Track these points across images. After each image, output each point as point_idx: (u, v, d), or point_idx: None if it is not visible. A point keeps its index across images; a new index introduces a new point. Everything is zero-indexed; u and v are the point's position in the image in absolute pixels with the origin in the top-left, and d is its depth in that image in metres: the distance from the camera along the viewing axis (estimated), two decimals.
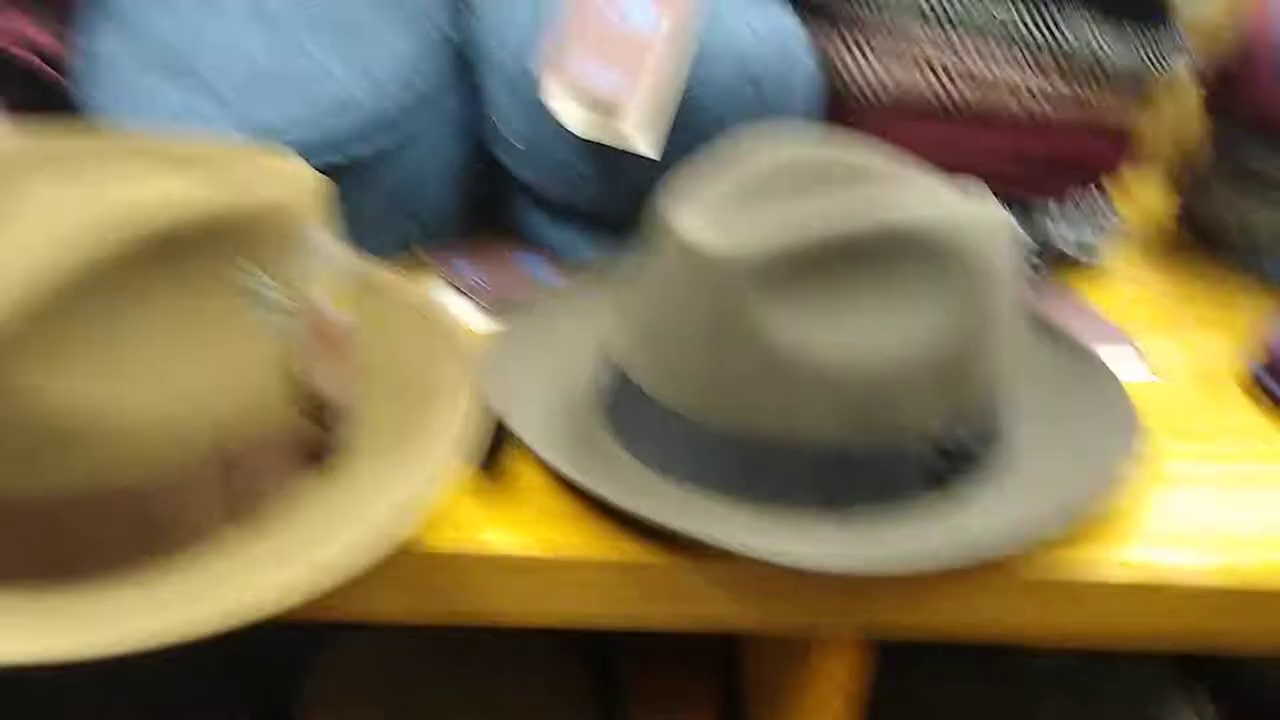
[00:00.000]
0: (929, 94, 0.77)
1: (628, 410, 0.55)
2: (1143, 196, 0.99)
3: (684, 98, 0.66)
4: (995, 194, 0.75)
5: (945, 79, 0.76)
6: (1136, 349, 0.72)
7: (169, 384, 0.44)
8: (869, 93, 0.78)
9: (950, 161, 0.77)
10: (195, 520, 0.46)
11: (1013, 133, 0.78)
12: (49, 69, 0.68)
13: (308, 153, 0.62)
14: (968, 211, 0.53)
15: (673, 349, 0.52)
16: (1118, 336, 0.74)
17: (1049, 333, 0.68)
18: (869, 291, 0.51)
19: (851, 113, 0.80)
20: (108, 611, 0.42)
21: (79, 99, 0.68)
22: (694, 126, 0.67)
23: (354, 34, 0.65)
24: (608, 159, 0.68)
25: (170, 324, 0.44)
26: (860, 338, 0.50)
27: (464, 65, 0.72)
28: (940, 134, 0.78)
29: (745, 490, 0.52)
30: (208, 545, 0.46)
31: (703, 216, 0.53)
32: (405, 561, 0.48)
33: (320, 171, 0.62)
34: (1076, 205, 0.82)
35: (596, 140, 0.65)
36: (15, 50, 0.67)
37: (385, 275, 0.64)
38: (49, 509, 0.42)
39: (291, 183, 0.49)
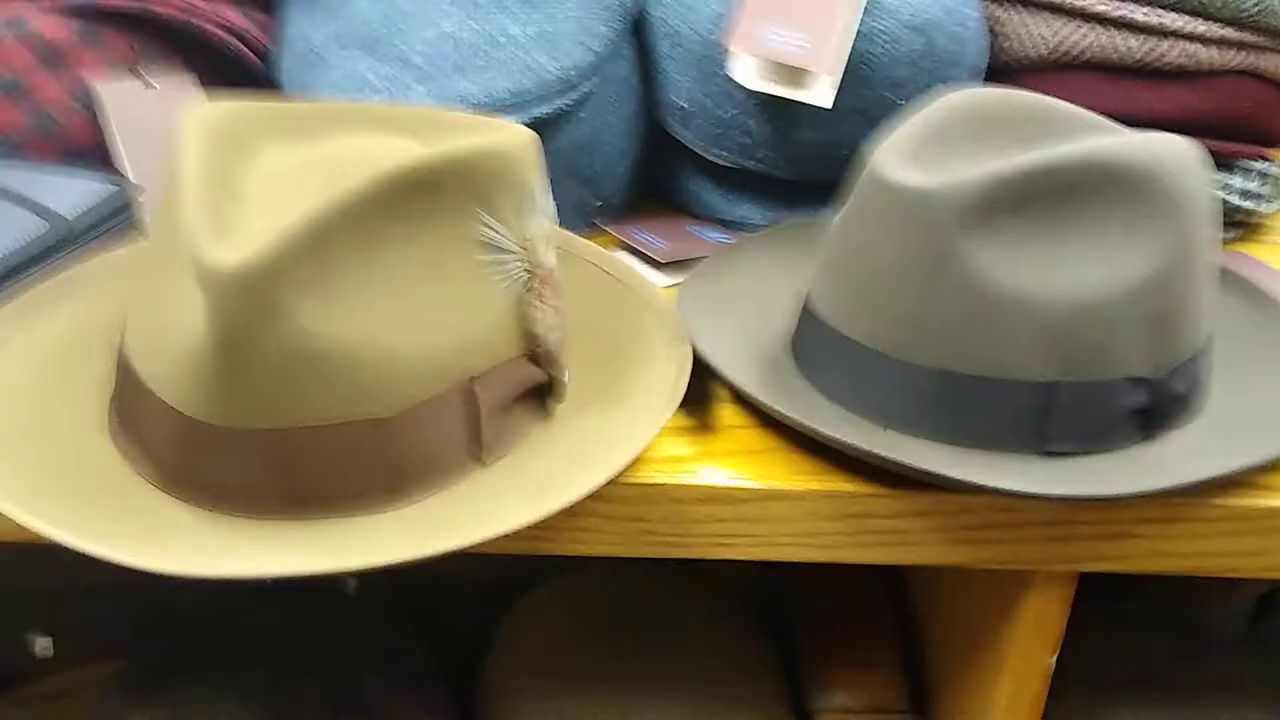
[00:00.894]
0: (1096, 47, 0.76)
1: (826, 353, 0.56)
2: None
3: (857, 51, 0.67)
4: None
5: (1111, 30, 0.76)
6: None
7: (418, 321, 0.46)
8: (1030, 48, 0.78)
9: (1120, 118, 0.77)
10: (442, 454, 0.48)
11: (1181, 88, 0.77)
12: (247, 50, 0.72)
13: (497, 115, 0.65)
14: (1171, 147, 0.53)
15: (876, 287, 0.53)
16: None
17: (1234, 283, 0.67)
18: (1077, 227, 0.51)
19: (1012, 70, 0.80)
20: (364, 536, 0.45)
21: (277, 81, 0.72)
22: (866, 80, 0.68)
23: (536, 3, 0.68)
24: (776, 118, 0.69)
25: (417, 265, 0.46)
26: (1069, 274, 0.51)
27: (633, 30, 0.74)
28: (1106, 92, 0.77)
29: (948, 428, 0.53)
30: (453, 480, 0.48)
31: (904, 156, 0.54)
32: (622, 495, 0.50)
33: None
34: (1253, 160, 0.81)
35: (773, 95, 0.66)
36: (214, 31, 0.70)
37: (572, 236, 0.67)
38: (309, 439, 0.45)
39: (512, 134, 0.51)
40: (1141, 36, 0.76)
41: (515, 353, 0.50)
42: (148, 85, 0.70)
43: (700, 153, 0.74)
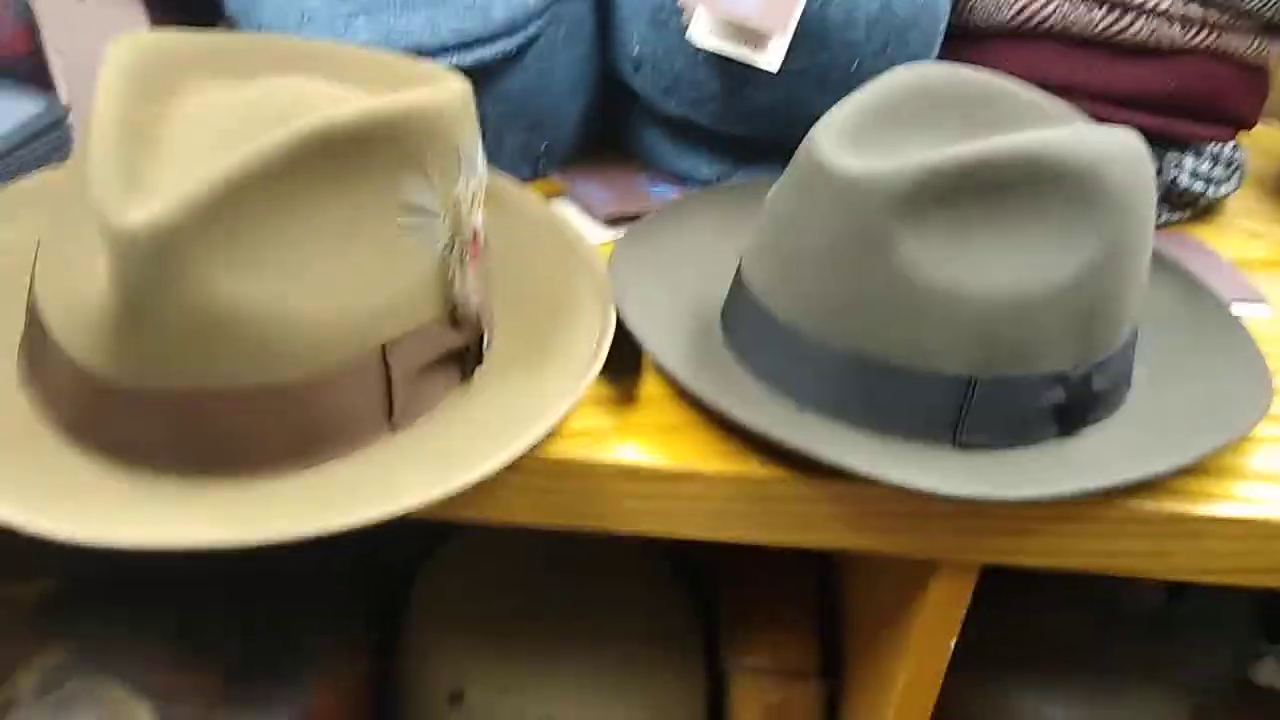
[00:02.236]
0: (1059, 15, 0.75)
1: (752, 328, 0.56)
2: (1268, 140, 0.97)
3: (813, 13, 0.65)
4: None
5: (1073, 2, 0.74)
6: (1257, 290, 0.71)
7: (333, 284, 0.45)
8: (995, 14, 0.77)
9: (1076, 92, 0.76)
10: (354, 420, 0.47)
11: (1142, 63, 0.76)
12: None
13: (438, 54, 0.63)
14: (1111, 143, 0.52)
15: (805, 270, 0.53)
16: (1238, 277, 0.73)
17: (1172, 274, 0.67)
18: (1008, 221, 0.51)
19: (976, 40, 0.79)
20: (267, 505, 0.44)
21: (225, 5, 0.70)
22: (822, 42, 0.67)
23: None
24: (726, 73, 0.68)
25: (334, 225, 0.45)
26: (997, 268, 0.50)
27: None
28: (1067, 63, 0.77)
29: (864, 414, 0.53)
30: (363, 445, 0.48)
31: (844, 139, 0.53)
32: (536, 467, 0.50)
33: None
34: (1203, 142, 0.80)
35: (722, 54, 0.65)
36: None
37: (512, 187, 0.65)
38: (216, 401, 0.44)
39: (449, 91, 0.50)
40: (1106, 9, 0.74)
41: (434, 316, 0.50)
42: (84, 2, 0.67)
43: (654, 103, 0.73)
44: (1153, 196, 0.55)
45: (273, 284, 0.43)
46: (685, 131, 0.74)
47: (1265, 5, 0.74)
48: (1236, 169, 0.83)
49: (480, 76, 0.66)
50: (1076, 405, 0.54)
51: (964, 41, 0.79)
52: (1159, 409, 0.57)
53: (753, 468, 0.51)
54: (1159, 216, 0.79)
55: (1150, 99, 0.77)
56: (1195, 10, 0.74)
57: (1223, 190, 0.81)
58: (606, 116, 0.78)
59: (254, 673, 0.61)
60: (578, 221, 0.68)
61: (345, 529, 0.43)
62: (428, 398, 0.50)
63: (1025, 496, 0.49)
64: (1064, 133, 0.52)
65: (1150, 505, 0.52)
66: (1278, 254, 0.78)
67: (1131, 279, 0.54)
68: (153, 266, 0.41)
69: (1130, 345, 0.57)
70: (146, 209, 0.40)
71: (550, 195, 0.71)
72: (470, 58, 0.64)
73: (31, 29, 0.66)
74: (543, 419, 0.49)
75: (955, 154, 0.50)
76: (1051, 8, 0.75)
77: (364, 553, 0.73)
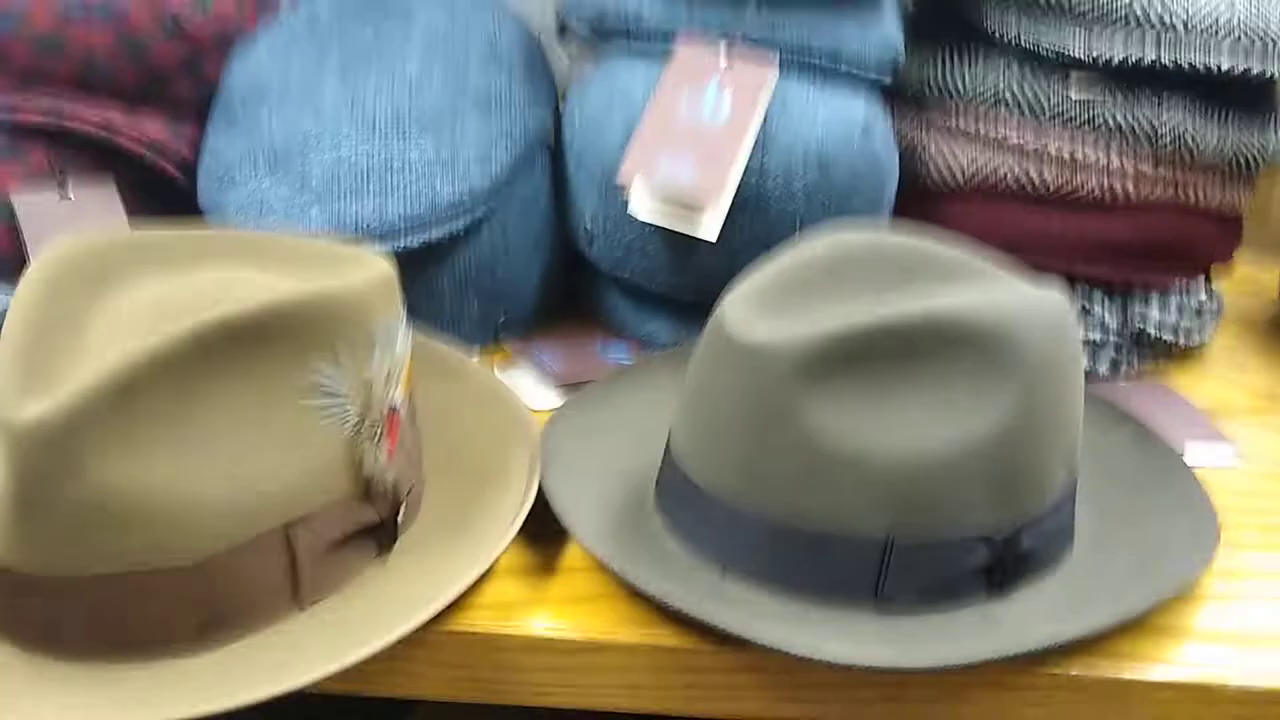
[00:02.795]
0: (1011, 177, 0.77)
1: (677, 495, 0.56)
2: (1252, 280, 0.96)
3: (751, 185, 0.67)
4: (1084, 279, 0.76)
5: (1028, 161, 0.76)
6: (1225, 438, 0.70)
7: (234, 467, 0.47)
8: (951, 177, 0.78)
9: (1036, 247, 0.77)
10: (257, 598, 0.48)
11: (1100, 216, 0.76)
12: (166, 165, 0.74)
13: (387, 237, 0.66)
14: (1027, 303, 0.53)
15: (719, 436, 0.53)
16: (1208, 427, 0.71)
17: (1128, 426, 0.66)
18: (917, 385, 0.51)
19: (935, 198, 0.80)
20: (168, 687, 0.45)
21: (198, 195, 0.74)
22: (762, 212, 0.69)
23: (436, 126, 0.69)
24: (675, 243, 0.70)
25: (237, 410, 0.47)
26: (905, 431, 0.50)
27: (545, 150, 0.76)
28: (1025, 219, 0.78)
29: (784, 579, 0.52)
30: (269, 623, 0.49)
31: (752, 306, 0.54)
32: (443, 641, 0.50)
33: (398, 255, 0.66)
34: (1175, 290, 0.80)
35: (661, 224, 0.67)
36: (130, 146, 0.73)
37: (460, 358, 0.67)
38: (112, 586, 0.45)
39: (366, 275, 0.52)
40: (1057, 167, 0.75)
41: (346, 493, 0.51)
42: (63, 197, 0.72)
43: (610, 273, 0.75)
44: (1076, 353, 0.55)
45: (169, 472, 0.45)
46: (645, 297, 0.76)
47: (1218, 155, 0.75)
48: (1209, 316, 0.82)
49: (433, 253, 0.69)
50: (1004, 566, 0.53)
51: (922, 201, 0.81)
52: (1098, 566, 0.56)
53: (668, 638, 0.50)
54: (1129, 363, 0.78)
55: (1111, 250, 0.77)
56: (1147, 168, 0.75)
57: (1195, 339, 0.80)
58: (571, 283, 0.80)
59: None
60: (534, 388, 0.70)
61: (237, 707, 0.43)
62: (339, 573, 0.51)
63: (926, 665, 0.48)
64: (976, 296, 0.53)
65: (1079, 670, 0.50)
66: (1254, 399, 0.77)
67: (1056, 438, 0.53)
68: (44, 458, 0.43)
69: (1066, 502, 0.56)
70: (41, 403, 0.43)
71: (506, 362, 0.73)
72: (417, 240, 0.67)
73: (14, 227, 0.70)
74: (446, 593, 0.49)
75: (858, 321, 0.51)
76: (1004, 170, 0.77)
77: None
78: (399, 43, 0.73)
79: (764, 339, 0.51)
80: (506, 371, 0.72)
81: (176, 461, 0.45)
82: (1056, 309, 0.54)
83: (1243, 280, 0.95)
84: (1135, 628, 0.52)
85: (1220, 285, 0.85)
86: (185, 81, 0.76)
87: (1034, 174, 0.76)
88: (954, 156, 0.78)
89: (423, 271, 0.70)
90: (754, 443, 0.52)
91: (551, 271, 0.77)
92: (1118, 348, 0.78)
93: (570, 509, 0.55)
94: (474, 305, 0.73)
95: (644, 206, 0.67)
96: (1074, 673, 0.50)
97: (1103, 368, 0.77)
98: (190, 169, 0.76)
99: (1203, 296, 0.81)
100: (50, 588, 0.45)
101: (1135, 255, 0.78)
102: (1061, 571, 0.55)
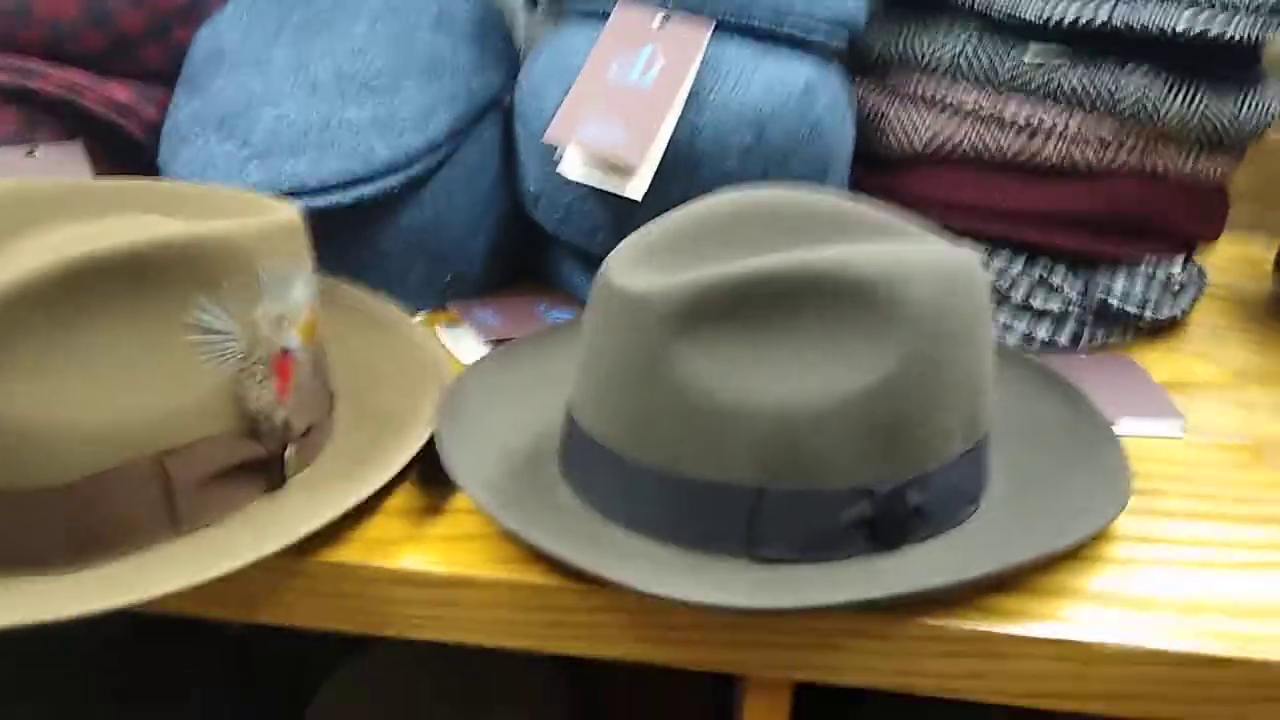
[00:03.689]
0: (969, 144, 0.75)
1: (571, 445, 0.57)
2: (1234, 253, 0.93)
3: (683, 145, 0.67)
4: (1049, 249, 0.75)
5: (985, 128, 0.74)
6: (1177, 411, 0.68)
7: (107, 396, 0.48)
8: (909, 144, 0.77)
9: (996, 215, 0.76)
10: (134, 524, 0.50)
11: (1061, 185, 0.75)
12: (126, 125, 0.77)
13: (321, 193, 0.67)
14: (923, 259, 0.52)
15: (603, 386, 0.54)
16: (1161, 399, 0.69)
17: (1060, 392, 0.65)
18: (793, 337, 0.50)
19: (895, 166, 0.79)
20: (27, 597, 0.47)
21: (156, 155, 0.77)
22: (696, 174, 0.68)
23: (376, 87, 0.70)
24: (613, 204, 0.70)
25: (114, 342, 0.48)
26: (777, 382, 0.50)
27: (495, 113, 0.77)
28: (984, 187, 0.76)
29: (665, 528, 0.52)
30: (145, 547, 0.50)
31: (637, 259, 0.54)
32: (318, 571, 0.51)
33: (333, 212, 0.67)
34: (1145, 263, 0.77)
35: (591, 185, 0.67)
36: (94, 107, 0.75)
37: (393, 313, 0.69)
38: None
39: (259, 221, 0.54)
40: (1015, 133, 0.74)
41: (228, 428, 0.52)
42: (30, 154, 0.75)
43: (554, 234, 0.75)
44: (979, 312, 0.54)
45: (40, 394, 0.47)
46: (591, 260, 0.76)
47: (1182, 124, 0.73)
48: (1185, 290, 0.79)
49: (374, 212, 0.71)
50: (888, 521, 0.52)
51: (883, 169, 0.80)
52: (997, 526, 0.54)
53: (533, 575, 0.51)
54: (1093, 335, 0.76)
55: (1072, 219, 0.75)
56: (1108, 134, 0.73)
57: (1164, 312, 0.78)
58: (525, 248, 0.80)
59: None
60: (473, 347, 0.70)
61: (85, 615, 0.45)
62: (222, 503, 0.52)
63: (771, 605, 0.48)
64: (865, 249, 0.52)
65: (954, 623, 0.49)
66: (1223, 375, 0.74)
67: (948, 395, 0.52)
68: None
69: (966, 462, 0.54)
70: None
71: (450, 323, 0.74)
72: (350, 196, 0.68)
73: None
74: (311, 522, 0.50)
75: (730, 270, 0.50)
76: (961, 134, 0.76)
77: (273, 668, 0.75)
78: (351, 9, 0.74)
79: (640, 289, 0.51)
80: (449, 331, 0.73)
81: (45, 389, 0.47)
82: (958, 267, 0.53)
83: (1245, 260, 0.93)
84: (1023, 587, 0.51)
85: (1215, 263, 0.83)
86: (154, 47, 0.79)
87: (991, 141, 0.75)
88: (913, 123, 0.77)
89: (365, 231, 0.71)
90: (632, 393, 0.52)
91: (501, 235, 0.78)
92: (1080, 319, 0.76)
93: (455, 453, 0.56)
94: (419, 266, 0.74)
95: (574, 167, 0.67)
96: (948, 624, 0.49)
97: (1063, 338, 0.76)
98: (159, 132, 0.78)
99: (1175, 270, 0.79)
100: None
101: (1098, 226, 0.76)
102: (960, 530, 0.54)
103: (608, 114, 0.67)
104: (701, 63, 0.67)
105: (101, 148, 0.78)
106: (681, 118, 0.67)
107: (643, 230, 0.56)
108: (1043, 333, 0.75)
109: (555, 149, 0.69)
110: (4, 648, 0.71)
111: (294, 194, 0.68)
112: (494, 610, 0.51)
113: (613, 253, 0.54)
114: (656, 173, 0.67)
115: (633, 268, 0.53)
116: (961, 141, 0.76)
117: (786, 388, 0.50)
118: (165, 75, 0.79)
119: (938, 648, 0.50)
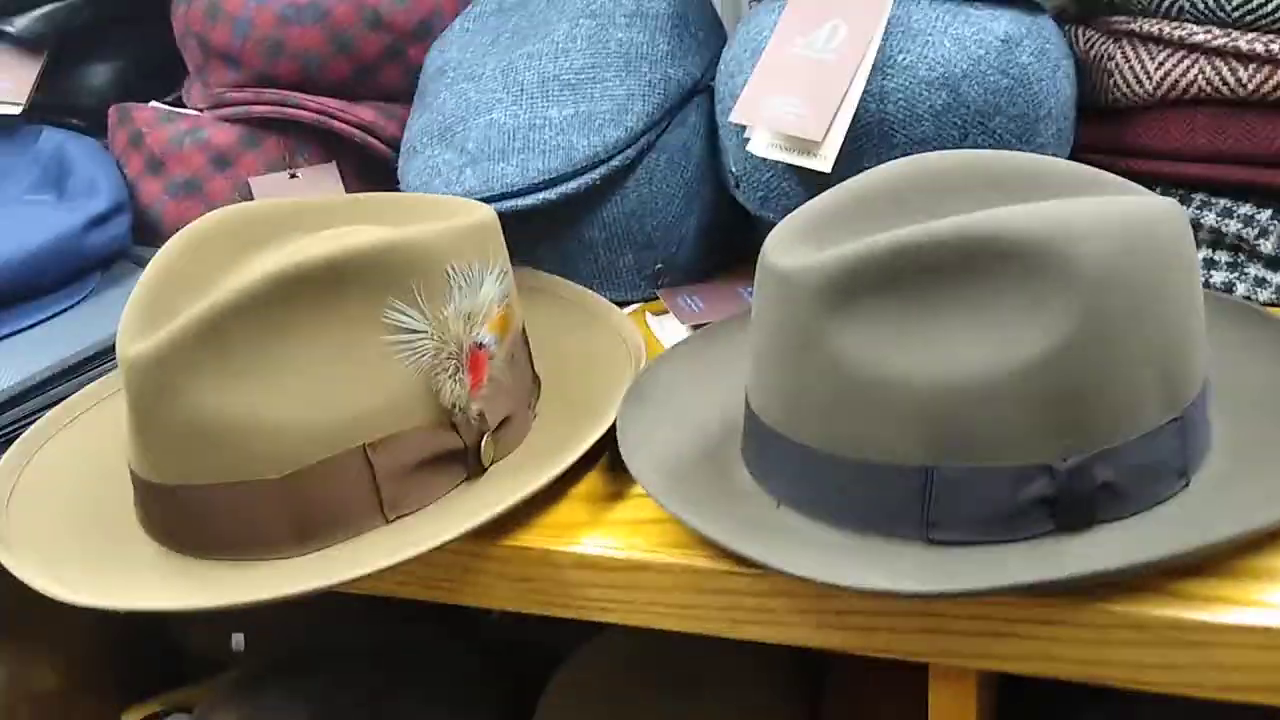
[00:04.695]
0: (1205, 79, 0.69)
1: (747, 427, 0.57)
2: None
3: (871, 112, 0.66)
4: None
5: (1222, 61, 0.68)
6: None
7: (314, 395, 0.54)
8: (1136, 86, 0.71)
9: (1239, 158, 0.69)
10: (345, 511, 0.55)
11: None
12: (375, 143, 0.84)
13: (530, 193, 0.71)
14: (1103, 212, 0.49)
15: (764, 365, 0.54)
16: None
17: None
18: (956, 305, 0.49)
19: (1122, 110, 0.73)
20: (253, 576, 0.53)
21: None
22: (889, 142, 0.67)
23: (576, 84, 0.73)
24: (811, 181, 0.69)
25: (319, 344, 0.54)
26: (939, 354, 0.48)
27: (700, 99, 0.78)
28: (1222, 127, 0.69)
29: (833, 510, 0.52)
30: (359, 533, 0.56)
31: (798, 232, 0.54)
32: (508, 556, 0.55)
33: (543, 209, 0.71)
34: None
35: (781, 161, 0.67)
36: (343, 127, 0.83)
37: (597, 301, 0.72)
38: (211, 494, 0.54)
39: (448, 224, 0.58)
40: (1253, 66, 0.67)
41: (427, 421, 0.56)
42: (293, 176, 0.83)
43: (754, 214, 0.75)
44: (1175, 267, 0.50)
45: (255, 396, 0.53)
46: None
47: None
48: None
49: (578, 206, 0.74)
50: (1072, 499, 0.49)
51: (1109, 120, 0.74)
52: (1208, 503, 0.50)
53: (705, 560, 0.52)
54: None
55: None
56: None
57: None
58: (739, 234, 0.81)
59: None
60: (675, 333, 0.72)
61: (301, 594, 0.51)
62: (425, 492, 0.57)
63: (945, 589, 0.46)
64: (1033, 208, 0.49)
65: (1144, 609, 0.46)
66: None
67: (1136, 361, 0.48)
68: (145, 385, 0.52)
69: (1175, 432, 0.50)
70: (146, 341, 0.52)
71: (658, 312, 0.76)
72: (555, 193, 0.72)
73: None
74: (497, 508, 0.53)
75: (882, 241, 0.49)
76: (1195, 71, 0.69)
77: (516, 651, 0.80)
78: (557, 12, 0.77)
79: (792, 265, 0.51)
80: (656, 319, 0.75)
81: (261, 389, 0.53)
82: (1144, 217, 0.50)
83: None
84: (1226, 569, 0.47)
85: None
86: (391, 68, 0.85)
87: (1230, 75, 0.68)
88: (1141, 64, 0.71)
89: (573, 224, 0.74)
90: (789, 371, 0.52)
91: (709, 220, 0.79)
92: None
93: (636, 437, 0.57)
94: (627, 256, 0.76)
95: (761, 145, 0.67)
96: (1136, 610, 0.46)
97: None
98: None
99: None
100: (164, 494, 0.54)
101: None
102: (1162, 508, 0.50)
103: (790, 88, 0.66)
104: (888, 26, 0.65)
105: (354, 167, 0.86)
106: (869, 85, 0.65)
107: (807, 205, 0.55)
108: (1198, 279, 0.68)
109: (746, 128, 0.69)
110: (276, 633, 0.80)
111: (505, 196, 0.72)
112: (670, 594, 0.53)
113: (774, 230, 0.54)
114: (848, 144, 0.66)
115: (791, 244, 0.53)
116: (1195, 79, 0.69)
117: (948, 360, 0.48)
118: (404, 94, 0.86)
119: (1126, 635, 0.47)
